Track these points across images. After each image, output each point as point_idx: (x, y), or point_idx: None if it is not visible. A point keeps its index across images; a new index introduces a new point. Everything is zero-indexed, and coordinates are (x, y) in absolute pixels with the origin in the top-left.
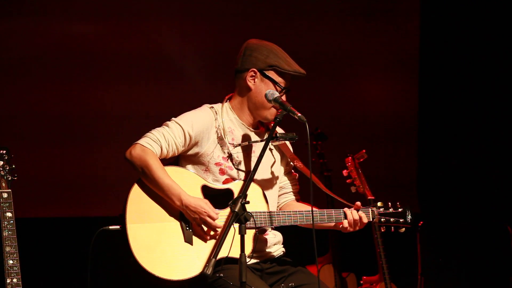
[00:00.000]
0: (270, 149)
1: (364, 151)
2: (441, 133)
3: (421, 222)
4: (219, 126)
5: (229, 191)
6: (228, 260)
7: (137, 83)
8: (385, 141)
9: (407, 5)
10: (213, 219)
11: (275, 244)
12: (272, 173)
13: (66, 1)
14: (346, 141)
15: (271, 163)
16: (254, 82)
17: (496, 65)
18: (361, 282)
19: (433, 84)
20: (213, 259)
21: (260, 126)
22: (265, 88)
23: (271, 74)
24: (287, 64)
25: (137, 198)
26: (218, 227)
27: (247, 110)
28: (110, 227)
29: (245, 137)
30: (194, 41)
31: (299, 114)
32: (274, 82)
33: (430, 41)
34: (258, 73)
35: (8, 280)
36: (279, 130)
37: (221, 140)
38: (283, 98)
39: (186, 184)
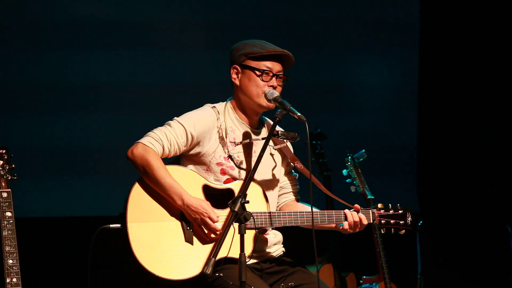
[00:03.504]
0: (272, 154)
1: (363, 150)
2: (441, 132)
3: (421, 222)
4: (220, 125)
5: (230, 191)
6: (228, 259)
7: (145, 90)
8: (385, 140)
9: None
10: (213, 221)
11: (275, 244)
12: (273, 174)
13: None
14: (346, 141)
15: (272, 166)
16: (238, 77)
17: (492, 60)
18: (361, 281)
19: (433, 84)
20: (213, 259)
21: (261, 126)
22: (247, 79)
23: (248, 62)
24: (260, 48)
25: (138, 197)
26: (218, 230)
27: (244, 108)
28: (111, 225)
29: (247, 137)
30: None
31: (299, 114)
32: (252, 69)
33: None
34: (238, 68)
35: (8, 280)
36: (280, 129)
37: (222, 140)
38: (274, 83)
39: (187, 183)
